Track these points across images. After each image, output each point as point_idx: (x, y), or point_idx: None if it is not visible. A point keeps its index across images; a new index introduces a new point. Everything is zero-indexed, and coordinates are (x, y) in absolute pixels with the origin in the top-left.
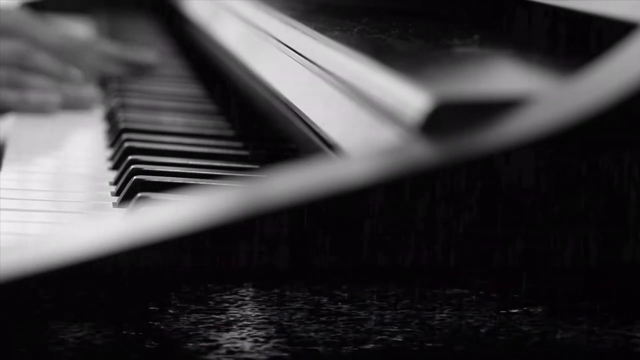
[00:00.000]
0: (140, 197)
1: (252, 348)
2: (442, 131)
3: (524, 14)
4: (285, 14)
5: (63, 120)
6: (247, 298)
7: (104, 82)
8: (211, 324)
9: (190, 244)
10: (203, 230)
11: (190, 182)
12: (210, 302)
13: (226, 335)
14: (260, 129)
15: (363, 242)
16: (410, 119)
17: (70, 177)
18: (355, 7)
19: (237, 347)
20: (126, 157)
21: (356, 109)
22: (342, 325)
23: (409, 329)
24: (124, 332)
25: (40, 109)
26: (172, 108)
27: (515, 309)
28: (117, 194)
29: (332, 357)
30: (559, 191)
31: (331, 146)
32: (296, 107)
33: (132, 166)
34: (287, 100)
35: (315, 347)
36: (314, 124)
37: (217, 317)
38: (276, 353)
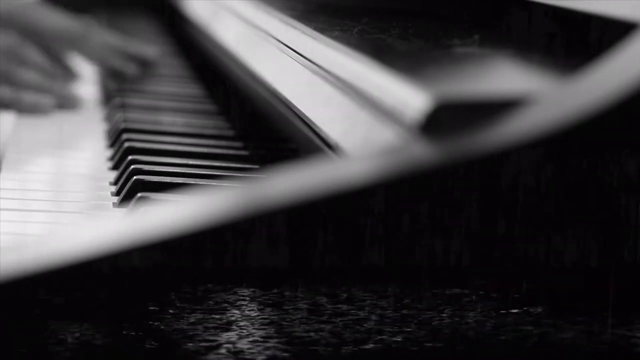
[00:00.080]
0: (140, 197)
1: (252, 348)
2: (442, 131)
3: (524, 14)
4: (285, 14)
5: (63, 120)
6: (247, 298)
7: (108, 85)
8: (211, 324)
9: (190, 244)
10: (203, 230)
11: (190, 182)
12: (210, 302)
13: (226, 335)
14: (260, 129)
15: (363, 242)
16: (410, 119)
17: (70, 177)
18: (355, 7)
19: (237, 347)
20: (126, 157)
21: (356, 109)
22: (342, 325)
23: (409, 329)
24: (124, 332)
25: (33, 109)
26: (172, 108)
27: (515, 309)
28: (117, 194)
29: (332, 357)
30: (559, 191)
31: (331, 146)
32: (296, 107)
33: (132, 166)
34: (287, 100)
35: (315, 347)
36: (314, 124)
37: (217, 317)
38: (276, 353)
